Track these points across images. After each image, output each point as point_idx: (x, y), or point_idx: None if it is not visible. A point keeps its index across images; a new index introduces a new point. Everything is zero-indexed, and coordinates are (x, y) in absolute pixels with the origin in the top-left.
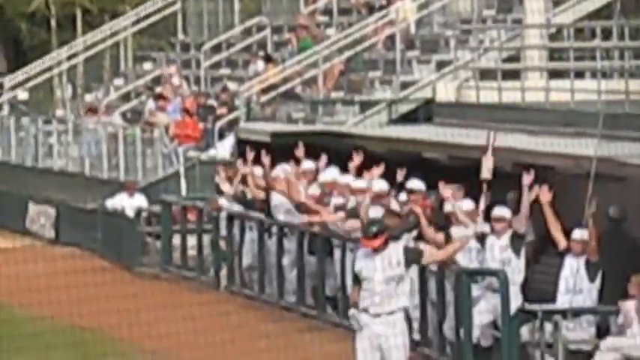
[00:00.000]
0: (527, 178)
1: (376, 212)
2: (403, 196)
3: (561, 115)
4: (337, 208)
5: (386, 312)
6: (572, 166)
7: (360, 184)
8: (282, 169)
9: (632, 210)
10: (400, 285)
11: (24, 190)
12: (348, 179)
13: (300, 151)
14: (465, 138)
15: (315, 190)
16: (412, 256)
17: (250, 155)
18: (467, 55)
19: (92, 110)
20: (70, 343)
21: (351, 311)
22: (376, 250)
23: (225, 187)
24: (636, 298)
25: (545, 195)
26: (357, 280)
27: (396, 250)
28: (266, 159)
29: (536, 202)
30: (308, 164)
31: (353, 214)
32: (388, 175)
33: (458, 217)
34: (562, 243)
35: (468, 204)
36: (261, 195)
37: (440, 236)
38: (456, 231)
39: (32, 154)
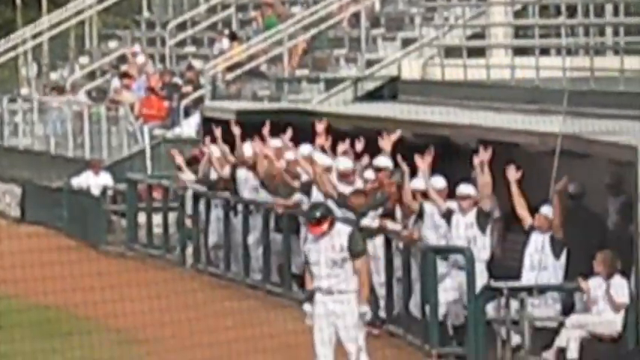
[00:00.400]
0: (482, 155)
1: (343, 189)
2: (370, 174)
3: (526, 92)
4: (304, 185)
5: (336, 291)
6: (538, 143)
7: (325, 161)
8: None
9: (597, 187)
10: (344, 268)
11: None
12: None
13: (266, 130)
14: (430, 115)
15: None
16: (356, 247)
17: (217, 132)
18: (432, 32)
19: (57, 89)
20: (35, 322)
21: (306, 306)
22: (321, 234)
23: (187, 174)
24: (601, 275)
25: (512, 173)
26: (307, 263)
27: (339, 234)
28: (236, 130)
29: (502, 179)
30: (275, 142)
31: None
32: (353, 152)
33: (430, 195)
34: (527, 220)
35: (440, 182)
36: (227, 172)
37: (415, 205)
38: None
39: None
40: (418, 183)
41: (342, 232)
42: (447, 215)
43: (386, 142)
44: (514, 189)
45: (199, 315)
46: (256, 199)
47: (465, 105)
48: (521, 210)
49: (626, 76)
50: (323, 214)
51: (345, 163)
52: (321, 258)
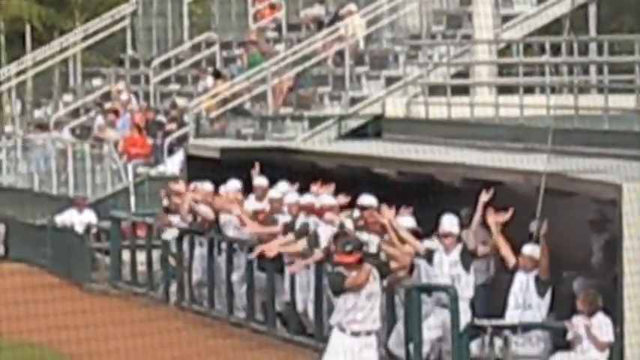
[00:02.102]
0: (484, 197)
1: (326, 232)
2: (356, 213)
3: (511, 130)
4: (286, 226)
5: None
6: (522, 182)
7: (308, 199)
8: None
9: (581, 225)
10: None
11: None
12: (295, 196)
13: (256, 170)
14: (414, 153)
15: (265, 205)
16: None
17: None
18: (416, 70)
19: (41, 126)
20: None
21: None
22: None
23: (174, 218)
24: (584, 314)
25: (492, 217)
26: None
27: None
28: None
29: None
30: (258, 180)
31: (302, 232)
32: (338, 191)
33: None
34: (511, 261)
35: (408, 221)
36: (211, 215)
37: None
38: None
39: None
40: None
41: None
42: (429, 256)
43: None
44: (494, 231)
45: (183, 353)
46: (240, 237)
47: (449, 143)
48: (505, 251)
49: (611, 114)
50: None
51: (328, 199)
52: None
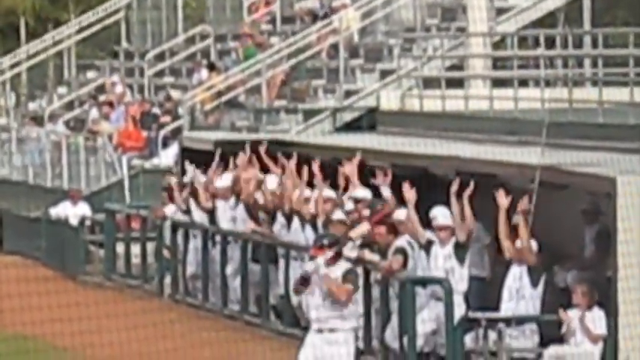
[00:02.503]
0: (454, 186)
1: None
2: (350, 205)
3: (505, 123)
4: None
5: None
6: (516, 175)
7: (306, 193)
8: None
9: (575, 218)
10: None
11: None
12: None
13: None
14: (408, 146)
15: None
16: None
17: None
18: (410, 63)
19: (35, 119)
20: (13, 352)
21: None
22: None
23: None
24: (580, 308)
25: (502, 201)
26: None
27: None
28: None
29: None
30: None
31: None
32: (333, 184)
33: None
34: (509, 251)
35: (401, 213)
36: (209, 205)
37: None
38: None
39: None
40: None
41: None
42: (427, 247)
43: (348, 168)
44: (501, 217)
45: (177, 346)
46: (234, 229)
47: (443, 136)
48: (505, 240)
49: (605, 107)
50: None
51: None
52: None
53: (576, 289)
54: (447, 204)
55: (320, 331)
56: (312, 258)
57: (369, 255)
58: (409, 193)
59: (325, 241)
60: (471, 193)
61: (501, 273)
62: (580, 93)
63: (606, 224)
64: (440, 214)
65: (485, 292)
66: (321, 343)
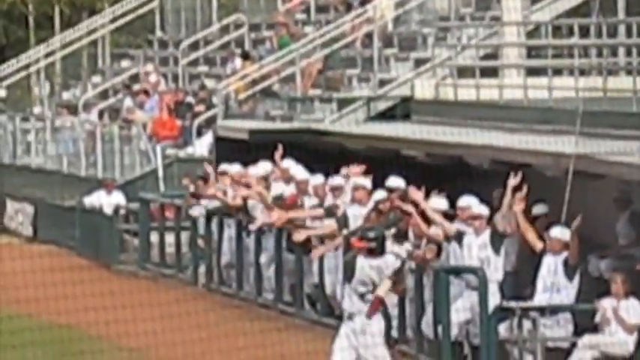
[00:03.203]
0: (513, 181)
1: (355, 211)
2: (381, 194)
3: (539, 112)
4: (312, 208)
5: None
6: (551, 164)
7: (337, 181)
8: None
9: (609, 207)
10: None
11: (2, 187)
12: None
13: (278, 153)
14: (442, 135)
15: (292, 188)
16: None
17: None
18: (445, 52)
19: (70, 108)
20: (47, 341)
21: None
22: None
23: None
24: (616, 297)
25: (519, 205)
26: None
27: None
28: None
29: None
30: (287, 162)
31: (330, 213)
32: (367, 173)
33: (431, 217)
34: (538, 246)
35: (441, 203)
36: (239, 200)
37: (433, 230)
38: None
39: (10, 151)
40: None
41: (389, 263)
42: (458, 238)
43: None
44: (520, 219)
45: (211, 335)
46: (267, 220)
47: (477, 125)
48: (531, 237)
49: (639, 96)
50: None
51: (365, 182)
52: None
53: (615, 278)
54: (482, 193)
55: (353, 319)
56: (351, 249)
57: (396, 249)
58: (416, 194)
59: (369, 234)
60: (517, 183)
61: (531, 263)
62: (614, 82)
63: (630, 211)
64: (474, 204)
65: (515, 283)
66: (356, 332)
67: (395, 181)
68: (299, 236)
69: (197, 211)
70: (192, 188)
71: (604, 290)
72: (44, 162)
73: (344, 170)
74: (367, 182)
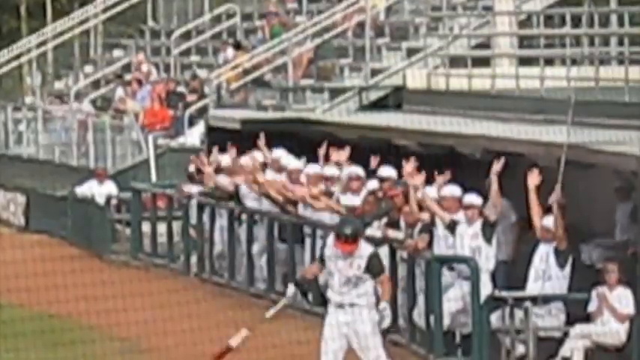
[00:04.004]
0: (496, 166)
1: (352, 200)
2: (373, 184)
3: (531, 102)
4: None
5: (347, 304)
6: (543, 154)
7: (331, 171)
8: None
9: (601, 197)
10: (358, 287)
11: None
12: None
13: (261, 141)
14: (434, 125)
15: (283, 177)
16: (375, 269)
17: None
18: (436, 42)
19: (62, 98)
20: (39, 331)
21: (291, 287)
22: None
23: (192, 187)
24: (609, 286)
25: (532, 180)
26: (322, 262)
27: (361, 255)
28: (232, 151)
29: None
30: (278, 152)
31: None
32: (359, 162)
33: (427, 205)
34: (539, 231)
35: (433, 191)
36: (231, 187)
37: (424, 215)
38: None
39: (2, 141)
40: (431, 192)
41: (363, 253)
42: (452, 226)
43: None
44: (532, 196)
45: (203, 324)
46: (260, 208)
47: (469, 115)
48: (536, 219)
49: (631, 85)
50: (354, 234)
51: (356, 170)
52: (337, 273)
53: (606, 267)
54: (474, 183)
55: (341, 306)
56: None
57: (392, 233)
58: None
59: (349, 231)
60: (500, 170)
61: (527, 253)
62: (606, 71)
63: (633, 203)
64: (467, 193)
65: (510, 273)
66: (344, 319)
67: (387, 171)
68: (319, 204)
69: (193, 189)
70: (192, 168)
71: (596, 280)
72: (36, 152)
73: (334, 156)
74: (361, 171)
